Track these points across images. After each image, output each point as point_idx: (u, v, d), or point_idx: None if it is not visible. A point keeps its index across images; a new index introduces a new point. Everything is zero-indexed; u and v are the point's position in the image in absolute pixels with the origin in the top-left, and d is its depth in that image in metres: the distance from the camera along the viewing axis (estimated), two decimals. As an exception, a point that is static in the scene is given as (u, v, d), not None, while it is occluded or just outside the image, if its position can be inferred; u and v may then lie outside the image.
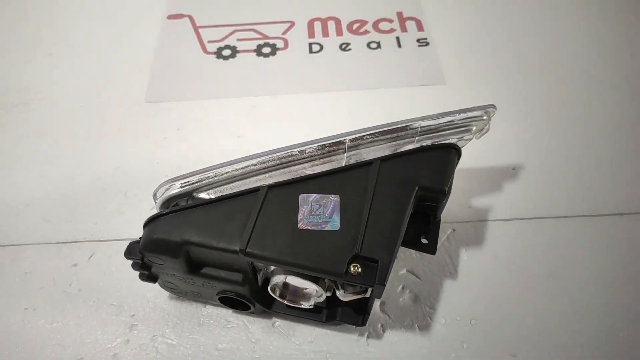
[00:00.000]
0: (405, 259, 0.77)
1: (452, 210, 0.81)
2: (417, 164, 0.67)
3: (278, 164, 0.68)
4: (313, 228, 0.62)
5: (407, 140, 0.71)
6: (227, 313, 0.73)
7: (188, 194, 0.66)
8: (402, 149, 0.69)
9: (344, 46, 1.12)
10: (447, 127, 0.71)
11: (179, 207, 0.64)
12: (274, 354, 0.69)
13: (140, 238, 0.64)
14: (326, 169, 0.67)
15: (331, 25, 1.17)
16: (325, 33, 1.15)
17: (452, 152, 0.68)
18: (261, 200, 0.63)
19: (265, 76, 1.06)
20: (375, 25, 1.16)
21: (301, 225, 0.63)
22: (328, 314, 0.69)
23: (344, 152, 0.70)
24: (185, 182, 0.66)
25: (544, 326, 0.70)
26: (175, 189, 0.66)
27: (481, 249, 0.78)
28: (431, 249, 0.69)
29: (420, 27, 1.15)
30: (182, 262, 0.63)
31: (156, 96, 1.03)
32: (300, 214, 0.63)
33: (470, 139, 0.74)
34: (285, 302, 0.68)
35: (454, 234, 0.79)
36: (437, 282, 0.75)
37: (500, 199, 0.83)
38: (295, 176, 0.67)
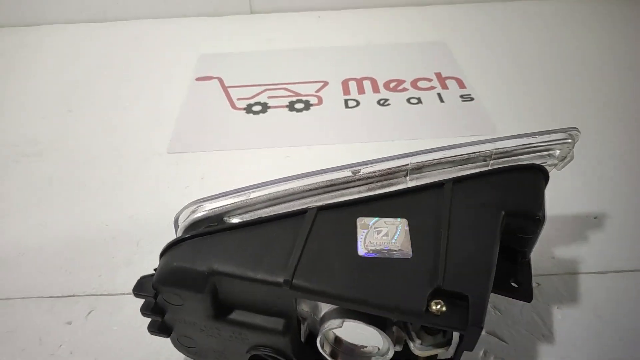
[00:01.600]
0: (483, 317, 0.61)
1: (532, 261, 0.67)
2: (500, 186, 0.55)
3: (327, 186, 0.55)
4: (378, 256, 0.48)
5: (478, 164, 0.59)
6: (258, 383, 0.56)
7: (217, 219, 0.53)
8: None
9: (382, 102, 1.04)
10: (526, 150, 0.59)
11: (207, 229, 0.51)
12: None
13: (154, 270, 0.50)
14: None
15: (367, 84, 1.10)
16: (361, 90, 1.08)
17: (539, 174, 0.56)
18: (310, 224, 0.50)
19: (299, 128, 0.97)
20: (414, 83, 1.09)
21: (362, 252, 0.49)
22: (399, 379, 0.52)
23: (405, 175, 0.58)
24: (215, 204, 0.53)
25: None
26: (202, 212, 0.53)
27: (578, 307, 0.62)
28: (526, 294, 0.54)
29: (462, 85, 1.08)
30: (207, 301, 0.49)
31: (179, 147, 0.94)
32: (359, 239, 0.50)
33: (553, 167, 0.62)
34: (340, 363, 0.52)
35: (539, 288, 0.64)
36: (528, 346, 0.58)
37: (587, 249, 0.69)
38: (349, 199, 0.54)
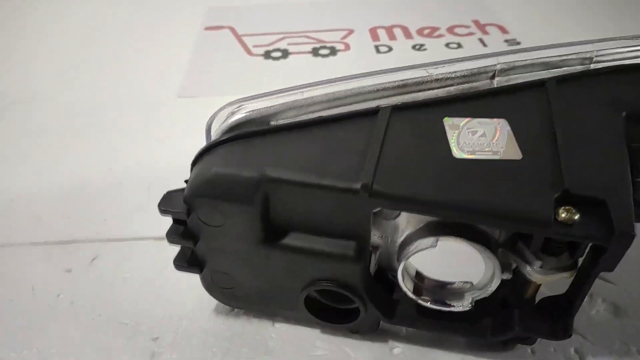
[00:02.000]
0: (579, 257, 0.50)
1: None
2: (615, 85, 0.44)
3: (398, 87, 0.44)
4: (479, 157, 0.37)
5: (577, 67, 0.48)
6: (311, 334, 0.44)
7: (263, 123, 0.42)
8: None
9: (417, 47, 0.93)
10: (634, 54, 0.49)
11: (253, 130, 0.40)
12: (401, 398, 0.40)
13: (185, 182, 0.39)
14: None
15: (397, 31, 0.99)
16: (392, 37, 0.97)
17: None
18: (385, 123, 0.39)
19: (326, 74, 0.86)
20: (450, 30, 0.99)
21: (457, 154, 0.38)
22: (495, 326, 0.41)
23: (492, 78, 0.47)
24: (260, 104, 0.42)
25: None
26: (244, 112, 0.42)
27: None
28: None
29: (504, 30, 0.97)
30: (256, 218, 0.37)
31: (191, 92, 0.83)
32: (451, 140, 0.39)
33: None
34: (421, 301, 0.40)
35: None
36: (642, 287, 0.47)
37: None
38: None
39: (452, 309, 0.40)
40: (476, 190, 0.35)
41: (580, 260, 0.37)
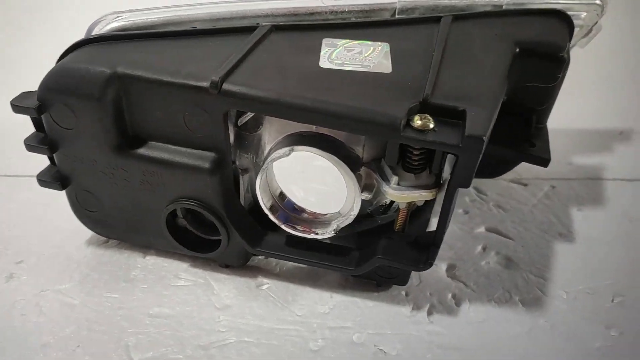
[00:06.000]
0: (482, 215, 0.47)
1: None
2: (514, 23, 0.42)
3: (289, 14, 0.43)
4: (346, 68, 0.36)
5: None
6: (180, 266, 0.42)
7: (142, 38, 0.41)
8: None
9: None
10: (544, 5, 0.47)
11: (122, 33, 0.38)
12: (255, 329, 0.37)
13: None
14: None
15: None
16: None
17: (562, 19, 0.44)
18: (258, 37, 0.38)
19: None
20: None
21: (325, 63, 0.36)
22: (361, 256, 0.38)
23: (392, 16, 0.46)
24: (139, 17, 0.41)
25: None
26: (122, 22, 0.40)
27: (604, 209, 0.48)
28: (542, 158, 0.41)
29: None
30: (108, 118, 0.35)
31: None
32: (323, 54, 0.37)
33: (577, 39, 0.50)
34: (283, 226, 0.38)
35: (555, 191, 0.51)
36: (541, 244, 0.44)
37: (612, 159, 0.56)
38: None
39: (315, 236, 0.37)
40: (329, 95, 0.33)
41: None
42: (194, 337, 0.36)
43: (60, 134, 0.37)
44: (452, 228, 0.46)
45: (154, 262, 0.42)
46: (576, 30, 0.49)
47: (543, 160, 0.40)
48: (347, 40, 0.39)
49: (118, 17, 0.41)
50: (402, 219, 0.37)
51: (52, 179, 0.40)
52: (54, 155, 0.39)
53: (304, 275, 0.41)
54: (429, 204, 0.37)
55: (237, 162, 0.39)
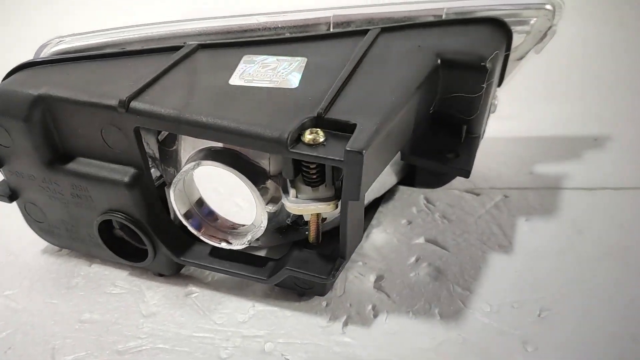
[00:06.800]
0: (425, 225, 0.47)
1: (503, 175, 0.53)
2: (439, 34, 0.42)
3: (222, 32, 0.45)
4: (254, 85, 0.37)
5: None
6: (119, 275, 0.44)
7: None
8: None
9: None
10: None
11: (53, 57, 0.41)
12: (173, 336, 0.38)
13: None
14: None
15: None
16: None
17: (496, 27, 0.43)
18: (180, 56, 0.40)
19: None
20: None
21: (235, 80, 0.37)
22: (275, 267, 0.39)
23: (328, 30, 0.47)
24: (81, 42, 0.44)
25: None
26: (63, 45, 0.43)
27: (553, 220, 0.47)
28: (462, 169, 0.40)
29: None
30: (37, 137, 0.38)
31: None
32: (237, 71, 0.38)
33: (532, 46, 0.49)
34: (202, 235, 0.39)
35: (506, 201, 0.50)
36: (476, 256, 0.44)
37: (578, 167, 0.54)
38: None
39: (227, 246, 0.39)
40: (226, 111, 0.34)
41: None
42: (114, 343, 0.38)
43: (2, 151, 0.40)
44: (390, 239, 0.46)
45: (96, 271, 0.44)
46: (524, 36, 0.49)
47: (463, 171, 0.40)
48: (266, 56, 0.40)
49: (60, 41, 0.44)
50: (313, 230, 0.38)
51: (2, 192, 0.43)
52: (1, 170, 0.42)
53: (233, 285, 0.42)
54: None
55: (164, 176, 0.41)
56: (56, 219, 0.43)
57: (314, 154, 0.32)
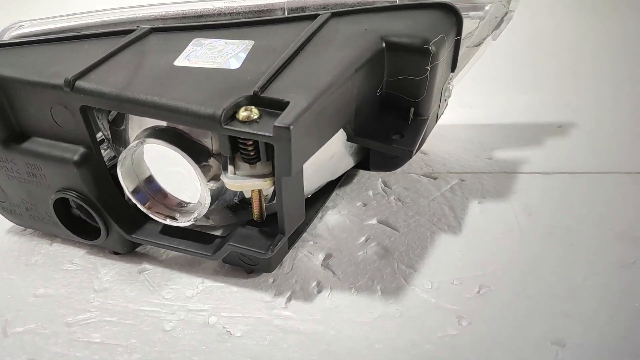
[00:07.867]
0: (379, 207, 0.48)
1: (462, 160, 0.54)
2: (387, 18, 0.43)
3: (176, 17, 0.46)
4: (197, 65, 0.38)
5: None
6: (77, 253, 0.45)
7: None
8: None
9: None
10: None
11: (9, 41, 0.43)
12: (121, 309, 0.39)
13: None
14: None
15: None
16: None
17: (445, 12, 0.44)
18: (131, 39, 0.41)
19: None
20: None
21: (180, 61, 0.38)
22: (219, 243, 0.40)
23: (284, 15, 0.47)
24: (39, 27, 0.45)
25: (594, 304, 0.37)
26: (23, 29, 0.45)
27: (505, 202, 0.48)
28: (406, 149, 0.41)
29: None
30: (-9, 117, 0.39)
31: None
32: (183, 53, 0.40)
33: (483, 31, 0.50)
34: (149, 211, 0.40)
35: (462, 184, 0.50)
36: (425, 236, 0.44)
37: (538, 152, 0.54)
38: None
39: (172, 222, 0.40)
40: (166, 91, 0.35)
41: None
42: (64, 315, 0.39)
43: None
44: (344, 220, 0.47)
45: (56, 249, 0.46)
46: (478, 22, 0.49)
47: (406, 151, 0.40)
48: (215, 39, 0.41)
49: (20, 25, 0.45)
50: (256, 207, 0.39)
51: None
52: (-37, 150, 0.43)
53: (185, 263, 0.43)
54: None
55: (117, 155, 0.42)
56: (16, 199, 0.45)
57: (246, 130, 0.33)
